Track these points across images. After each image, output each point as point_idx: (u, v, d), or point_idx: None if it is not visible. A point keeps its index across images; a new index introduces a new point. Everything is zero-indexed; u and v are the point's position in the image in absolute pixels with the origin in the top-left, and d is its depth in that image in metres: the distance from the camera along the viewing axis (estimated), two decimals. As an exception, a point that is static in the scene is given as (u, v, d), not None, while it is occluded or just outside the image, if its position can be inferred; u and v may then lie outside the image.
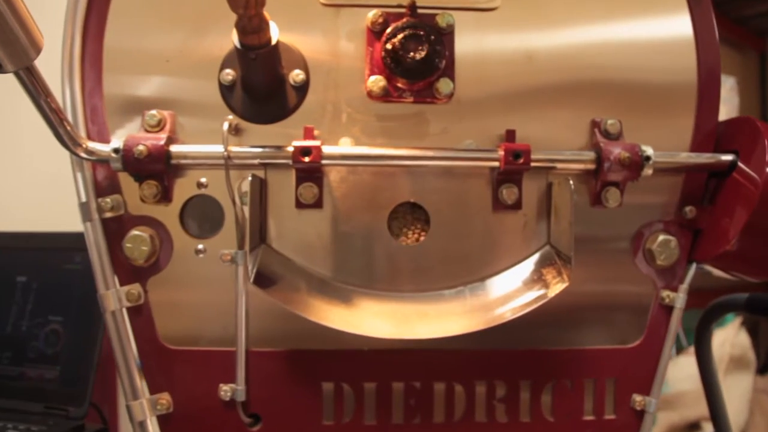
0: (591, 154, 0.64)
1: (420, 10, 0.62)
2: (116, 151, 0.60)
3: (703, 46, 0.68)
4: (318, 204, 0.64)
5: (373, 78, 0.64)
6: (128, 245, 0.63)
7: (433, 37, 0.61)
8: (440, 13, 0.64)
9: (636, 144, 0.64)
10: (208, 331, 0.65)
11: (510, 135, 0.65)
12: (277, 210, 0.65)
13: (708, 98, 0.68)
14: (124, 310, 0.64)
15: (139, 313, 0.64)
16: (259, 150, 0.62)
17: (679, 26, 0.68)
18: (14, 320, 1.10)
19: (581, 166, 0.65)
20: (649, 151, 0.64)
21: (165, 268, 0.64)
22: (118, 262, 0.64)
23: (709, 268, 0.71)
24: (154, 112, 0.63)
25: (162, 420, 0.64)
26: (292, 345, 0.65)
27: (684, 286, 0.68)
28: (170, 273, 0.64)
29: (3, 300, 1.12)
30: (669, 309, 0.69)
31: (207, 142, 0.62)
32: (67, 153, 0.61)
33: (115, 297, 0.64)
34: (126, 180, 0.64)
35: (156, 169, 0.61)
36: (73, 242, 1.07)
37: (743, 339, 2.07)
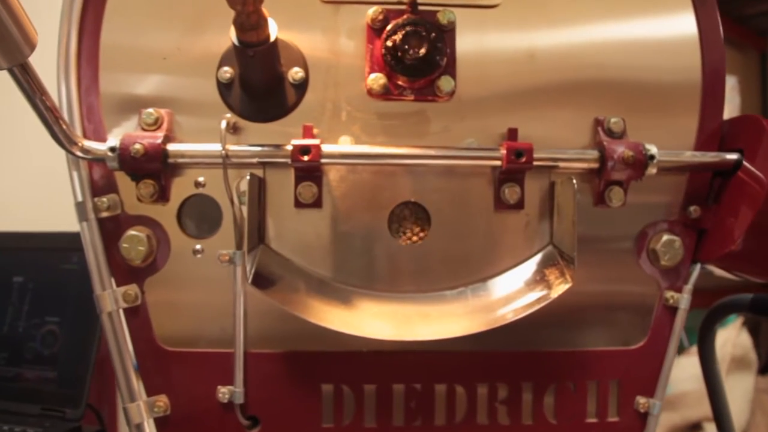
0: (594, 153, 0.64)
1: (421, 7, 0.62)
2: (112, 149, 0.59)
3: (707, 45, 0.68)
4: (317, 203, 0.64)
5: (373, 76, 0.63)
6: (125, 245, 0.62)
7: (434, 35, 0.60)
8: (441, 10, 0.63)
9: (640, 142, 0.63)
10: (206, 332, 0.64)
11: (512, 133, 0.65)
12: (275, 209, 0.64)
13: (712, 97, 0.68)
14: (121, 311, 0.64)
15: (136, 315, 0.64)
16: (258, 149, 0.62)
17: (684, 25, 0.68)
18: (11, 321, 1.10)
19: (584, 165, 0.64)
20: (653, 149, 0.63)
21: (162, 268, 0.64)
22: (114, 263, 0.63)
23: (710, 267, 0.71)
24: (151, 110, 0.62)
25: (159, 422, 0.64)
26: (291, 346, 0.65)
27: (688, 287, 0.68)
28: (167, 273, 0.64)
29: (-1, 300, 1.11)
30: (673, 310, 0.68)
31: (205, 141, 0.62)
32: (63, 152, 0.60)
33: (111, 298, 0.63)
34: (123, 179, 0.63)
35: (153, 168, 0.60)
36: (71, 242, 1.06)
37: (745, 339, 2.06)
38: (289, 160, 0.61)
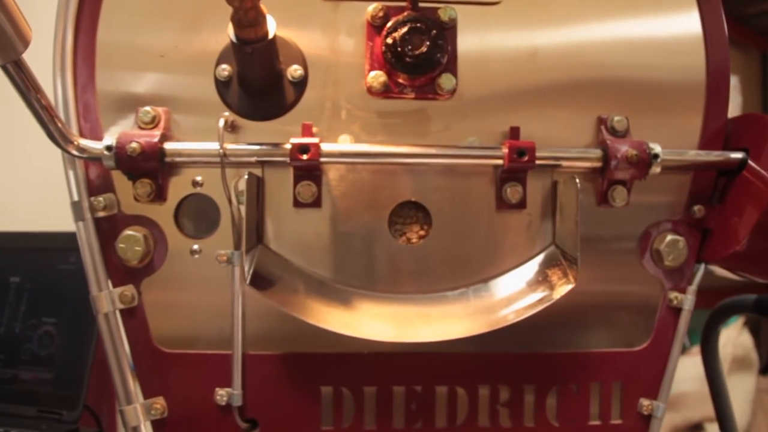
0: (597, 152, 0.63)
1: (421, 4, 0.61)
2: (109, 148, 0.59)
3: (712, 44, 0.67)
4: (316, 203, 0.63)
5: (373, 73, 0.63)
6: (121, 245, 0.62)
7: (434, 32, 0.60)
8: (442, 6, 0.63)
9: (644, 141, 0.63)
10: (204, 333, 0.64)
11: (514, 132, 0.64)
12: (274, 209, 0.63)
13: (717, 96, 0.67)
14: (118, 312, 0.63)
15: (133, 316, 0.63)
16: (256, 147, 0.61)
17: (688, 24, 0.67)
18: (7, 321, 1.09)
19: (587, 164, 0.64)
20: (657, 148, 0.62)
21: (159, 269, 0.63)
22: (111, 263, 0.63)
23: (712, 267, 0.70)
24: (148, 108, 0.62)
25: (156, 425, 0.63)
26: (290, 348, 0.64)
27: (692, 288, 0.67)
28: (165, 274, 0.63)
29: (-4, 301, 1.10)
30: (677, 311, 0.67)
31: (202, 140, 0.61)
32: (60, 151, 0.59)
33: (108, 299, 0.62)
34: (119, 178, 0.62)
35: (150, 167, 0.60)
36: (68, 242, 1.05)
37: (746, 339, 2.06)
38: (287, 159, 0.60)
